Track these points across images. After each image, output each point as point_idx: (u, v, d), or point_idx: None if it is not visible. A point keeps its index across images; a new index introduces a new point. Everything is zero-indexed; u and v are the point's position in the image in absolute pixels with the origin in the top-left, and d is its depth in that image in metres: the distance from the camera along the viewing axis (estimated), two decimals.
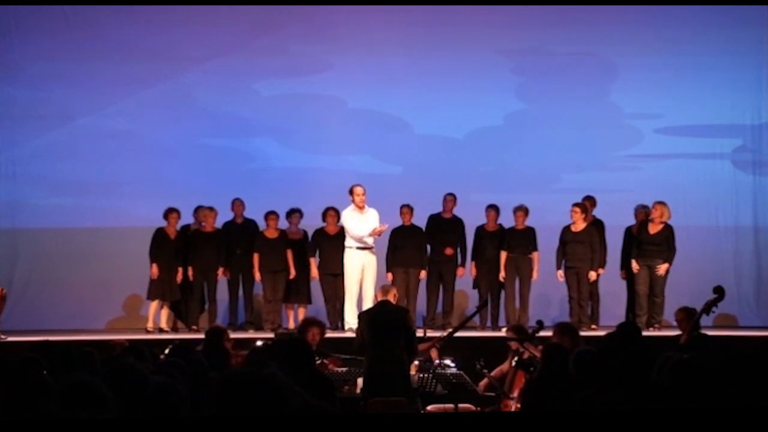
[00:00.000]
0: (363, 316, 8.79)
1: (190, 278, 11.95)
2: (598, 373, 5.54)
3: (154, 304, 11.94)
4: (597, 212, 12.13)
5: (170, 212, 11.96)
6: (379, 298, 8.65)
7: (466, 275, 12.09)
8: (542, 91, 13.39)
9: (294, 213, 12.08)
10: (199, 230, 12.06)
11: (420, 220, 12.13)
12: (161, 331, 11.83)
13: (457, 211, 12.15)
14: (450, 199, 12.11)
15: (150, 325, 11.89)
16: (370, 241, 11.66)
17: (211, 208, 12.06)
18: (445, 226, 12.09)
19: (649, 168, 13.23)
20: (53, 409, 4.22)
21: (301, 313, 11.80)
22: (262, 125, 13.45)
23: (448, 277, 12.05)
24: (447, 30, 13.28)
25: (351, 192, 11.72)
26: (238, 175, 13.20)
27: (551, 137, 13.26)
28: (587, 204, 11.96)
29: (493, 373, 8.39)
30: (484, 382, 8.30)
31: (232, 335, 9.01)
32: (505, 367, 8.61)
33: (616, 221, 12.24)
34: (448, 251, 11.99)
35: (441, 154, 13.35)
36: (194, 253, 11.94)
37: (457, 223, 12.13)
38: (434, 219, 12.13)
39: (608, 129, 13.39)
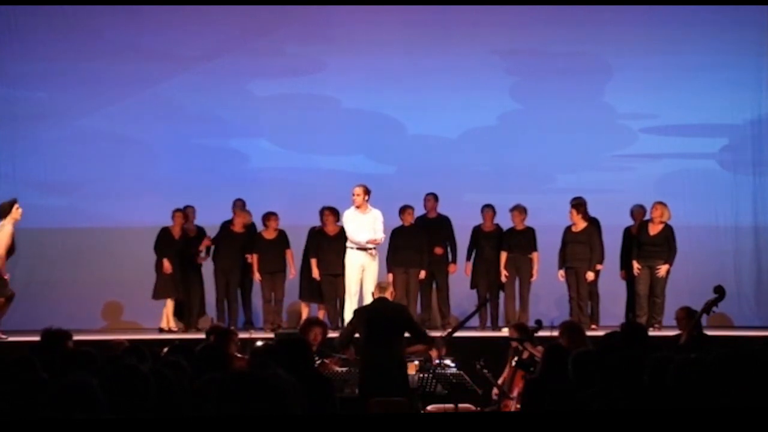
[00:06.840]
0: (359, 312, 8.61)
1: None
2: (597, 374, 5.54)
3: (170, 303, 12.01)
4: (591, 212, 12.06)
5: (176, 213, 12.07)
6: (376, 296, 8.44)
7: (462, 275, 12.10)
8: (536, 91, 13.38)
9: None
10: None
11: None
12: (161, 331, 11.86)
13: (451, 211, 12.16)
14: (429, 198, 12.12)
15: (165, 324, 11.98)
16: (369, 245, 11.65)
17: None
18: (432, 227, 12.08)
19: (644, 168, 13.23)
20: (47, 409, 4.22)
21: (321, 314, 11.82)
22: (255, 126, 13.45)
23: (441, 276, 12.07)
24: (441, 30, 13.27)
25: None
26: (234, 176, 13.21)
27: (546, 137, 13.26)
28: (578, 203, 11.86)
29: (500, 381, 8.40)
30: (495, 392, 8.35)
31: None
32: (507, 372, 8.60)
33: (612, 221, 12.22)
34: (437, 250, 11.99)
35: (435, 154, 13.34)
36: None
37: (443, 222, 12.13)
38: (421, 221, 12.12)
39: (603, 129, 13.38)
